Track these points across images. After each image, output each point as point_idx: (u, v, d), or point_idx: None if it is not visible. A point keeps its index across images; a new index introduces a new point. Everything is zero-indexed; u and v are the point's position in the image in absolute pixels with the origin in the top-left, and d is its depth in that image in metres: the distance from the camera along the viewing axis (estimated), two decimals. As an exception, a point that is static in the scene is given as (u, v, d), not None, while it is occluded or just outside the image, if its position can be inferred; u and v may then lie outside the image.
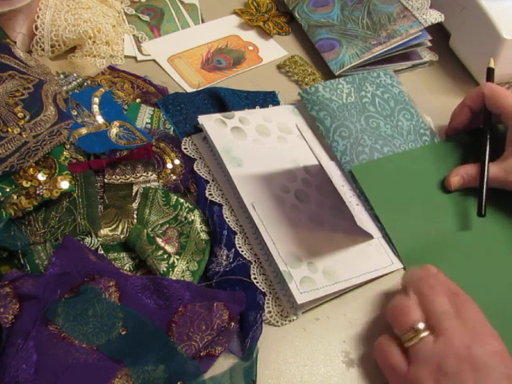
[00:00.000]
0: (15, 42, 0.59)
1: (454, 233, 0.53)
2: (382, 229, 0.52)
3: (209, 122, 0.56)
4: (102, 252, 0.47)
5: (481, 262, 0.51)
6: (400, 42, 0.66)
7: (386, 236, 0.52)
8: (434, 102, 0.67)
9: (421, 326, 0.40)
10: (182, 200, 0.51)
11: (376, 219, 0.53)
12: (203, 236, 0.50)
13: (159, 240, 0.49)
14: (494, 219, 0.54)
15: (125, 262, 0.47)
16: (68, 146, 0.51)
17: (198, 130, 0.58)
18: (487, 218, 0.51)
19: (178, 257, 0.48)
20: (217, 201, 0.52)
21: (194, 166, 0.55)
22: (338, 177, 0.56)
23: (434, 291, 0.41)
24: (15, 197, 0.46)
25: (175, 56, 0.68)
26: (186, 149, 0.56)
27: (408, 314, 0.41)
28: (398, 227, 0.52)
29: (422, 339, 0.39)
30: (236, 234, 0.50)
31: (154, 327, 0.42)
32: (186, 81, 0.65)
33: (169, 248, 0.48)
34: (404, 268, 0.50)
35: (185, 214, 0.51)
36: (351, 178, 0.55)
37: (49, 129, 0.49)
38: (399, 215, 0.53)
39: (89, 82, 0.61)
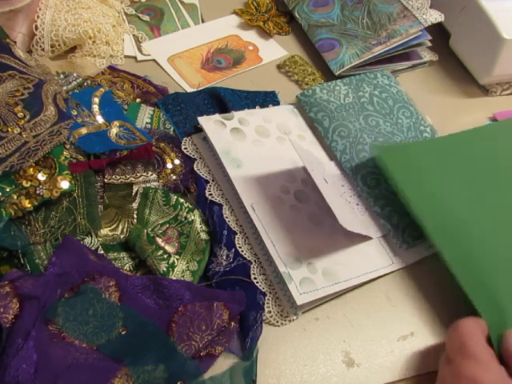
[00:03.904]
0: (15, 42, 0.59)
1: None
2: (385, 226, 0.52)
3: (208, 123, 0.56)
4: (102, 252, 0.47)
5: None
6: (400, 42, 0.66)
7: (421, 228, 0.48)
8: (434, 102, 0.67)
9: None
10: (182, 200, 0.51)
11: (378, 217, 0.52)
12: (203, 236, 0.50)
13: (159, 240, 0.49)
14: None
15: (125, 262, 0.48)
16: (68, 146, 0.51)
17: (198, 130, 0.58)
18: None
19: (178, 257, 0.48)
20: (217, 201, 0.52)
21: (194, 165, 0.55)
22: (337, 176, 0.56)
23: None
24: (15, 197, 0.46)
25: (175, 56, 0.68)
26: (185, 149, 0.56)
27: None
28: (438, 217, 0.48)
29: None
30: (236, 233, 0.50)
31: (154, 327, 0.42)
32: (186, 81, 0.65)
33: (169, 248, 0.48)
34: (404, 268, 0.50)
35: (185, 213, 0.51)
36: (353, 175, 0.55)
37: (49, 129, 0.49)
38: (440, 205, 0.48)
39: (89, 81, 0.61)
